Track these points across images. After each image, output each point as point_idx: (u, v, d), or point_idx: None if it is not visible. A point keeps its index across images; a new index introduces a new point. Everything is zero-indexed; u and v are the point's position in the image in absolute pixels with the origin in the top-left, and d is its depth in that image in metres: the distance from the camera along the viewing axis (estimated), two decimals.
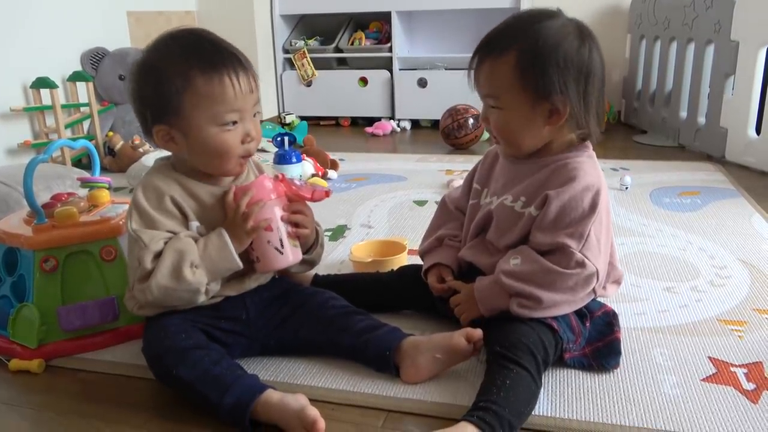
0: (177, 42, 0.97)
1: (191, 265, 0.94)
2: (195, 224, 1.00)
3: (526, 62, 0.96)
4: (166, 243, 0.96)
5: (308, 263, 1.11)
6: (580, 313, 1.01)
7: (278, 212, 1.00)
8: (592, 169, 1.00)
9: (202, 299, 0.97)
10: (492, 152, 1.15)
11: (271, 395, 0.88)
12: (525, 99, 0.97)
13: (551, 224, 0.97)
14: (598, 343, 1.02)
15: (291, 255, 1.02)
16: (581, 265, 0.96)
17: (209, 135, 0.96)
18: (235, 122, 0.97)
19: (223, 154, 0.98)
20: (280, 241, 1.00)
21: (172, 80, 0.94)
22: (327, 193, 1.06)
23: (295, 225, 1.03)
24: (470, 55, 1.02)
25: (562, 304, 0.97)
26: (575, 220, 0.97)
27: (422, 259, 1.18)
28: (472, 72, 1.02)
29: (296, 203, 1.04)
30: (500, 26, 1.01)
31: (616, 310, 1.06)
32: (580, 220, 0.96)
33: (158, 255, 0.95)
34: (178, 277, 0.93)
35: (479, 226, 1.10)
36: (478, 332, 0.97)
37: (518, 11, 1.03)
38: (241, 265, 0.98)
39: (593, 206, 0.97)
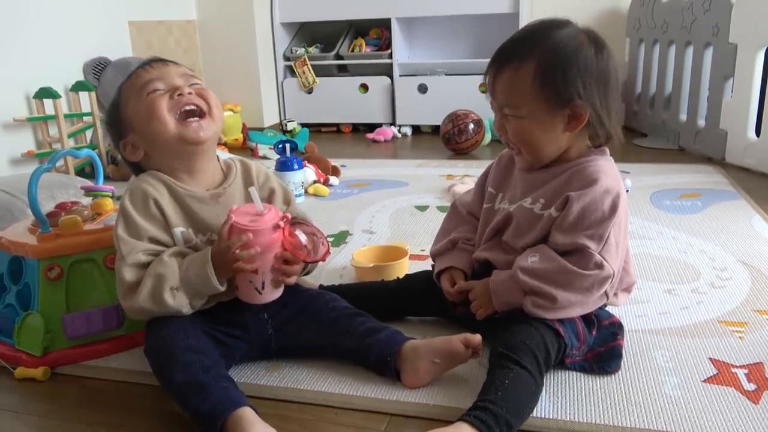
0: None
1: (171, 288, 0.96)
2: (179, 230, 1.03)
3: (546, 69, 0.97)
4: (146, 256, 0.98)
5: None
6: (587, 321, 1.01)
7: (269, 259, 0.98)
8: (612, 173, 1.01)
9: (188, 312, 0.99)
10: (507, 155, 1.15)
11: (245, 413, 0.85)
12: (545, 106, 0.98)
13: (571, 226, 0.98)
14: (600, 349, 1.02)
15: (269, 296, 1.02)
16: (600, 266, 0.96)
17: (140, 105, 1.02)
18: (159, 89, 1.02)
19: (151, 112, 1.01)
20: (262, 284, 1.00)
21: (114, 103, 1.07)
22: (323, 258, 1.04)
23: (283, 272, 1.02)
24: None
25: (575, 305, 0.97)
26: (595, 222, 0.97)
27: (433, 261, 1.18)
28: (489, 83, 1.03)
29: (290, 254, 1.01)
30: (515, 36, 1.03)
31: (617, 313, 1.07)
32: (600, 222, 0.97)
33: (136, 266, 0.98)
34: (158, 303, 0.96)
35: (496, 229, 1.09)
36: (476, 338, 0.98)
37: (530, 22, 1.04)
38: (222, 289, 0.99)
39: (613, 209, 0.97)
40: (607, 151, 1.05)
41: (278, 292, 1.03)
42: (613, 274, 0.98)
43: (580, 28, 1.02)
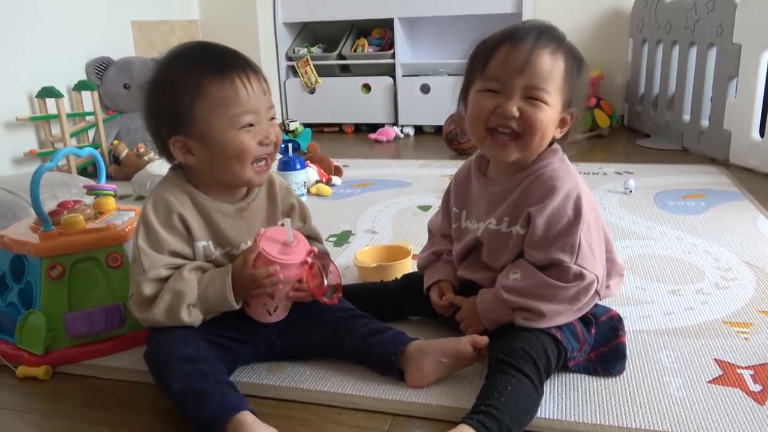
0: (185, 54, 0.99)
1: (188, 305, 0.96)
2: (201, 244, 1.02)
3: (572, 67, 0.97)
4: (166, 270, 0.97)
5: None
6: (585, 320, 1.01)
7: (287, 288, 1.00)
8: (568, 174, 0.99)
9: (198, 324, 0.99)
10: (462, 173, 1.13)
11: (245, 417, 0.85)
12: (564, 102, 0.98)
13: (541, 240, 0.97)
14: (602, 348, 1.01)
15: (278, 317, 1.04)
16: (580, 276, 0.95)
17: (228, 138, 0.96)
18: (252, 125, 0.97)
19: (241, 155, 0.97)
20: (275, 308, 1.02)
21: (185, 90, 0.95)
22: (335, 301, 1.05)
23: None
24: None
25: (565, 314, 0.97)
26: (563, 231, 0.96)
27: (422, 274, 1.17)
28: (519, 57, 0.95)
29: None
30: (533, 24, 0.99)
31: (622, 313, 1.06)
32: (567, 230, 0.96)
33: (156, 281, 0.97)
34: (174, 318, 0.96)
35: (468, 248, 1.09)
36: (484, 339, 0.97)
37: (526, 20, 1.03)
38: (237, 308, 0.99)
39: (577, 213, 0.96)
40: (559, 149, 1.03)
41: (286, 313, 1.05)
42: (596, 279, 0.97)
43: None
